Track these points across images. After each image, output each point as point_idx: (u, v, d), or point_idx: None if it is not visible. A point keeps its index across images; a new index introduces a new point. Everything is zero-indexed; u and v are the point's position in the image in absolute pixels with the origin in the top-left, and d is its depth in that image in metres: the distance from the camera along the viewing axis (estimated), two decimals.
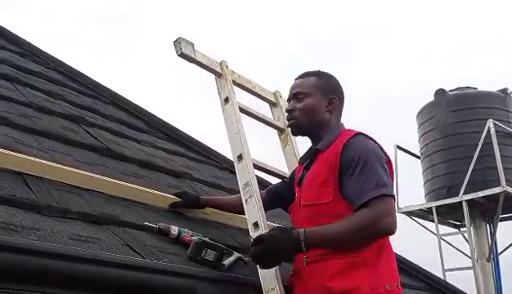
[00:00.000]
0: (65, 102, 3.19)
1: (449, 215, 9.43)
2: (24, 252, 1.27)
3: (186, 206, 2.31)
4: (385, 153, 1.85)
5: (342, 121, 2.00)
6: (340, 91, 2.01)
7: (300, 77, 2.02)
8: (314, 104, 1.94)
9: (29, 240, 1.38)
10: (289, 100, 2.02)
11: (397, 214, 1.79)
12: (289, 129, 2.57)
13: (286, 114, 2.03)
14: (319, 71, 2.02)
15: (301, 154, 2.45)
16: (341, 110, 2.00)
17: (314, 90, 1.96)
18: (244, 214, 2.11)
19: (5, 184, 1.69)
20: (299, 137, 2.58)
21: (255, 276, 1.82)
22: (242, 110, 2.37)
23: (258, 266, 1.76)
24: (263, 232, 1.87)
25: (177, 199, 2.30)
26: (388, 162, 1.84)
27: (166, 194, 2.31)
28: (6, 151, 1.83)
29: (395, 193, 1.76)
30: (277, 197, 2.17)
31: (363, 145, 1.79)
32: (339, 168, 1.75)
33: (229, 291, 1.77)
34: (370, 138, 1.85)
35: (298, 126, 1.98)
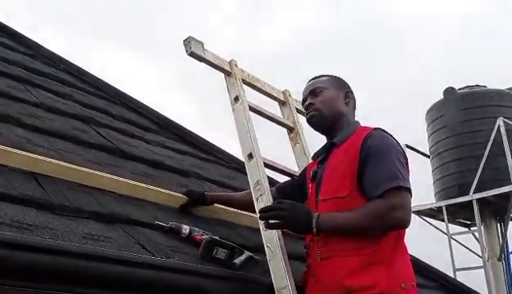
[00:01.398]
0: (75, 103, 3.21)
1: (459, 214, 9.38)
2: (37, 251, 1.28)
3: (194, 204, 2.30)
4: (402, 150, 1.86)
5: None
6: (352, 90, 2.07)
7: (312, 79, 2.08)
8: (333, 96, 1.99)
9: (42, 239, 1.39)
10: (304, 100, 2.04)
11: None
12: (299, 128, 2.59)
13: (305, 111, 2.04)
14: (323, 74, 2.08)
15: (311, 152, 2.46)
16: (355, 107, 2.06)
17: (329, 84, 2.02)
18: (251, 211, 2.14)
19: (18, 183, 1.70)
20: (308, 136, 2.61)
21: (267, 275, 1.81)
22: (252, 109, 2.38)
23: (263, 222, 1.80)
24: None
25: (185, 198, 2.29)
26: (405, 158, 1.84)
27: (176, 193, 2.31)
28: (19, 151, 1.84)
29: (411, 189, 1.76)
30: (287, 194, 2.15)
31: (383, 139, 1.81)
32: (359, 161, 1.76)
33: (241, 289, 1.77)
34: (388, 133, 1.86)
35: (320, 117, 1.97)
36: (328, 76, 2.06)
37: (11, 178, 1.72)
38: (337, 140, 1.90)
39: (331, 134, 1.96)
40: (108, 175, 2.10)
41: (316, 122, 2.00)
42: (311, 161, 2.15)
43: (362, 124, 1.98)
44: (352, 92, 2.04)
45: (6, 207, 1.51)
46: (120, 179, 2.14)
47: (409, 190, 1.73)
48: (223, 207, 2.40)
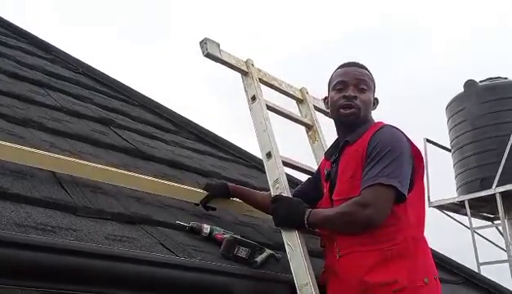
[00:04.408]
0: (95, 105, 3.26)
1: (482, 208, 9.22)
2: (62, 252, 1.30)
3: (216, 196, 2.24)
4: (413, 147, 1.83)
5: None
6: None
7: (359, 66, 1.96)
8: (371, 100, 1.94)
9: (67, 240, 1.41)
10: (344, 83, 1.91)
11: (427, 207, 1.77)
12: (317, 126, 2.58)
13: (344, 100, 1.89)
14: (365, 66, 1.99)
15: None
16: None
17: (372, 85, 1.96)
18: (266, 212, 2.13)
19: (41, 186, 1.74)
20: (326, 133, 2.59)
21: (288, 273, 1.82)
22: (269, 108, 2.38)
23: (274, 222, 1.91)
24: None
25: (205, 193, 2.24)
26: (416, 155, 1.82)
27: (196, 189, 2.29)
28: (41, 151, 1.87)
29: (401, 185, 1.70)
30: (306, 199, 2.06)
31: (387, 136, 1.79)
32: (364, 160, 1.76)
33: (263, 287, 1.78)
34: (397, 129, 1.84)
35: (357, 116, 1.88)
36: (369, 72, 1.97)
37: (35, 181, 1.76)
38: (351, 138, 1.88)
39: (348, 131, 1.92)
40: (129, 173, 2.11)
41: (351, 120, 1.90)
42: (323, 159, 2.13)
43: (378, 120, 1.95)
44: (377, 100, 1.99)
45: (31, 210, 1.55)
46: (141, 176, 2.15)
47: (392, 186, 1.69)
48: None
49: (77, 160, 1.97)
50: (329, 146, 2.08)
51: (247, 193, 2.32)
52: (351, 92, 1.89)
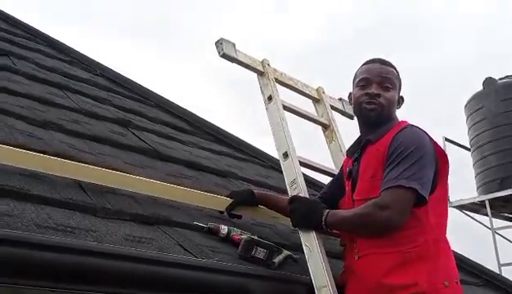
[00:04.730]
0: (113, 106, 3.28)
1: (503, 208, 9.07)
2: (83, 253, 1.31)
3: (242, 203, 2.18)
4: (437, 147, 1.80)
5: None
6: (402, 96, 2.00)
7: (384, 63, 1.93)
8: (395, 99, 1.91)
9: (86, 241, 1.42)
10: (368, 82, 1.89)
11: (450, 207, 1.74)
12: (334, 125, 2.56)
13: (367, 98, 1.87)
14: (392, 63, 1.96)
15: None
16: None
17: (397, 83, 1.92)
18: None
19: (61, 187, 1.76)
20: (343, 133, 2.57)
21: (306, 274, 1.81)
22: (286, 108, 2.37)
23: (291, 223, 1.90)
24: None
25: (229, 200, 2.19)
26: (440, 155, 1.79)
27: (220, 196, 2.24)
28: (63, 160, 1.87)
29: (422, 188, 1.67)
30: (333, 200, 2.04)
31: (410, 137, 1.76)
32: (386, 160, 1.74)
33: (281, 288, 1.77)
34: (420, 130, 1.81)
35: (380, 114, 1.86)
36: (395, 69, 1.94)
37: (55, 183, 1.78)
38: (373, 136, 1.86)
39: (370, 129, 1.89)
40: (148, 180, 2.07)
41: (374, 118, 1.87)
42: (345, 157, 2.11)
43: (402, 118, 1.92)
44: (403, 98, 1.96)
45: (50, 211, 1.57)
46: (163, 184, 2.10)
47: (412, 189, 1.66)
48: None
49: (96, 167, 1.94)
50: (350, 144, 2.05)
51: (273, 199, 2.23)
52: (374, 90, 1.86)
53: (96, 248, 1.37)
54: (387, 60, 1.95)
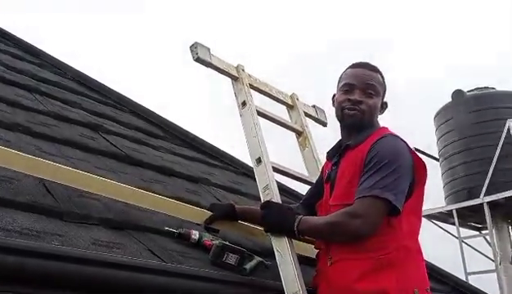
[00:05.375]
0: (83, 110, 3.22)
1: (470, 217, 9.30)
2: (47, 257, 1.27)
3: (221, 217, 2.09)
4: (416, 157, 1.81)
5: None
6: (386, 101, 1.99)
7: (370, 69, 1.90)
8: (378, 105, 1.89)
9: (52, 245, 1.38)
10: (351, 85, 1.87)
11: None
12: (307, 132, 2.57)
13: (349, 104, 1.86)
14: (378, 68, 1.94)
15: (320, 156, 2.44)
16: None
17: (381, 90, 1.90)
18: None
19: (27, 191, 1.71)
20: (316, 139, 2.58)
21: (278, 280, 1.80)
22: (260, 113, 2.36)
23: (264, 228, 1.91)
24: None
25: (206, 212, 2.10)
26: (419, 166, 1.80)
27: (199, 208, 2.16)
28: (28, 156, 1.82)
29: (396, 198, 1.68)
30: (313, 205, 2.02)
31: (387, 146, 1.76)
32: (363, 167, 1.74)
33: None
34: (400, 139, 1.81)
35: (360, 119, 1.84)
36: (380, 74, 1.92)
37: (21, 185, 1.72)
38: (353, 141, 1.85)
39: (351, 134, 1.89)
40: (118, 184, 1.98)
41: (352, 123, 1.87)
42: (324, 161, 2.09)
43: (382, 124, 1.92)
44: (386, 104, 1.95)
45: (15, 214, 1.52)
46: (135, 189, 2.01)
47: (386, 199, 1.66)
48: None
49: (62, 166, 1.88)
50: (326, 150, 2.04)
51: (253, 212, 2.11)
52: (357, 96, 1.85)
53: (62, 252, 1.33)
54: (373, 64, 1.94)
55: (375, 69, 1.92)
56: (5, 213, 1.49)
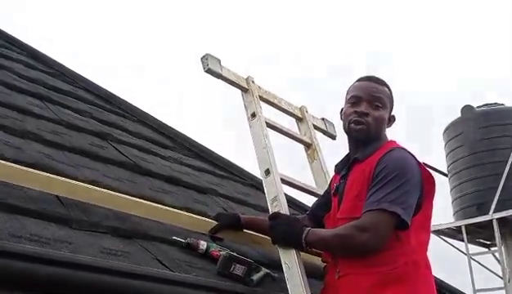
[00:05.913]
0: (94, 119, 3.25)
1: (479, 234, 9.20)
2: (56, 264, 1.28)
3: (227, 227, 2.11)
4: (424, 170, 1.80)
5: None
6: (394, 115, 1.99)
7: (376, 82, 1.92)
8: (385, 118, 1.89)
9: (61, 252, 1.39)
10: (358, 98, 1.88)
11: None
12: (316, 144, 2.57)
13: (355, 116, 1.87)
14: (385, 81, 1.95)
15: (328, 169, 2.44)
16: None
17: (388, 103, 1.91)
18: None
19: (37, 198, 1.72)
20: (326, 152, 2.58)
21: (284, 292, 1.79)
22: (269, 125, 2.37)
23: (271, 240, 1.89)
24: None
25: (211, 221, 2.14)
26: (427, 180, 1.79)
27: (205, 218, 2.19)
28: (38, 171, 1.81)
29: (404, 212, 1.67)
30: (319, 216, 2.02)
31: (395, 160, 1.76)
32: (371, 181, 1.73)
33: None
34: (408, 153, 1.81)
35: (366, 132, 1.85)
36: (388, 88, 1.94)
37: (31, 192, 1.73)
38: (361, 155, 1.85)
39: (359, 147, 1.88)
40: (128, 197, 1.99)
41: (359, 136, 1.87)
42: (332, 174, 2.09)
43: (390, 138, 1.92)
44: (394, 117, 1.95)
45: (25, 220, 1.53)
46: (145, 202, 2.03)
47: (394, 213, 1.66)
48: None
49: (71, 181, 1.87)
50: (334, 163, 2.04)
51: (259, 222, 2.15)
52: (363, 109, 1.85)
53: (70, 259, 1.34)
54: (380, 78, 1.95)
55: (381, 83, 1.93)
56: (15, 220, 1.50)
